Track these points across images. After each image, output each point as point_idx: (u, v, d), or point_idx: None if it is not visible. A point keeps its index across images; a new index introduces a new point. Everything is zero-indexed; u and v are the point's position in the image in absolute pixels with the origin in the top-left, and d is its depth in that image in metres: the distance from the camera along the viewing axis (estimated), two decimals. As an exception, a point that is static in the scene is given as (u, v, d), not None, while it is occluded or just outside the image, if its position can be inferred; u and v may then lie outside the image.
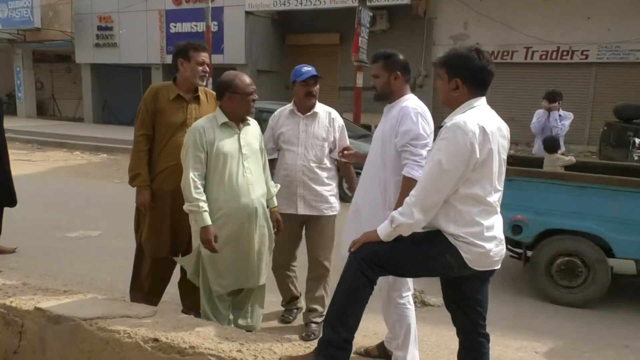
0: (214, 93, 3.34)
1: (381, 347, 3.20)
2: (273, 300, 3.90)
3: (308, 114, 3.43)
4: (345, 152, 3.26)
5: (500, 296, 3.98)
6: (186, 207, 2.88)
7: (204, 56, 3.30)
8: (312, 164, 3.40)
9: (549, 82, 11.64)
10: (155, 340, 2.53)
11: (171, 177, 3.22)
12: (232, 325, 3.04)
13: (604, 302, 4.22)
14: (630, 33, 13.00)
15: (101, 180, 9.49)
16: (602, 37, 13.36)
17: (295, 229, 3.56)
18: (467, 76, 2.25)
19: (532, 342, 3.49)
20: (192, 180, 2.85)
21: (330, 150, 3.50)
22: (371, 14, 11.63)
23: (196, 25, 16.02)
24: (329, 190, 3.48)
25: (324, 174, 3.45)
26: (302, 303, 3.81)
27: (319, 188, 3.42)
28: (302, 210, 3.43)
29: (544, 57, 14.06)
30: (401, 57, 2.91)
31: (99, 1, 17.64)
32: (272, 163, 3.51)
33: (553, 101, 6.07)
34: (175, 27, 16.55)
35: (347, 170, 3.66)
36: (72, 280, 4.40)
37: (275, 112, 3.56)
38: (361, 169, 3.03)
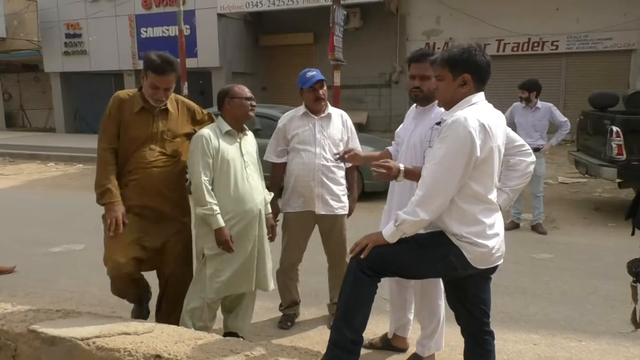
0: (188, 101, 3.30)
1: (384, 339, 3.32)
2: (269, 306, 3.88)
3: (322, 115, 3.49)
4: (348, 154, 2.99)
5: (492, 289, 4.00)
6: (199, 210, 2.95)
7: (159, 81, 2.92)
8: (330, 163, 3.45)
9: (522, 74, 11.75)
10: (158, 356, 2.47)
11: (133, 193, 3.02)
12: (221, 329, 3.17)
13: (594, 290, 4.31)
14: (598, 22, 13.29)
15: (79, 192, 9.27)
16: (571, 28, 13.64)
17: (309, 227, 3.60)
18: (474, 71, 2.23)
19: (529, 335, 3.52)
20: (204, 184, 2.93)
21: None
22: (345, 13, 11.63)
23: (168, 30, 15.82)
24: (342, 190, 3.56)
25: (340, 173, 3.54)
26: (300, 309, 3.80)
27: (335, 187, 3.48)
28: (320, 209, 3.47)
29: (515, 49, 14.28)
30: None
31: (65, 8, 17.24)
32: (283, 167, 3.57)
33: (530, 90, 6.09)
34: (146, 32, 16.31)
35: (352, 177, 3.69)
36: (60, 297, 4.30)
37: (285, 115, 3.59)
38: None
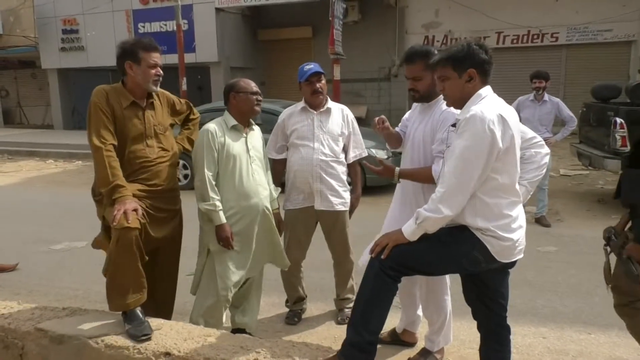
0: (166, 92, 3.13)
1: (393, 333, 3.30)
2: (276, 302, 3.86)
3: (321, 110, 3.45)
4: (382, 123, 2.90)
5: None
6: (202, 205, 2.94)
7: (155, 57, 2.86)
8: (329, 158, 3.41)
9: (522, 66, 11.80)
10: (167, 354, 2.45)
11: (140, 192, 2.82)
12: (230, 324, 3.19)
13: (601, 282, 4.28)
14: (598, 14, 13.26)
15: (79, 188, 9.21)
16: (570, 19, 13.60)
17: (311, 224, 3.56)
18: (478, 65, 2.23)
19: (538, 328, 3.51)
20: (208, 179, 2.92)
21: (344, 148, 3.53)
22: (344, 6, 11.57)
23: (165, 25, 15.68)
24: (343, 186, 3.50)
25: (340, 169, 3.49)
26: (307, 304, 3.78)
27: (335, 182, 3.44)
28: (319, 205, 3.43)
29: (515, 41, 14.25)
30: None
31: (62, 4, 17.08)
32: (283, 163, 3.54)
33: (547, 79, 6.08)
34: (143, 27, 16.17)
35: (354, 173, 3.64)
36: (64, 295, 4.27)
37: (285, 111, 3.56)
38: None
